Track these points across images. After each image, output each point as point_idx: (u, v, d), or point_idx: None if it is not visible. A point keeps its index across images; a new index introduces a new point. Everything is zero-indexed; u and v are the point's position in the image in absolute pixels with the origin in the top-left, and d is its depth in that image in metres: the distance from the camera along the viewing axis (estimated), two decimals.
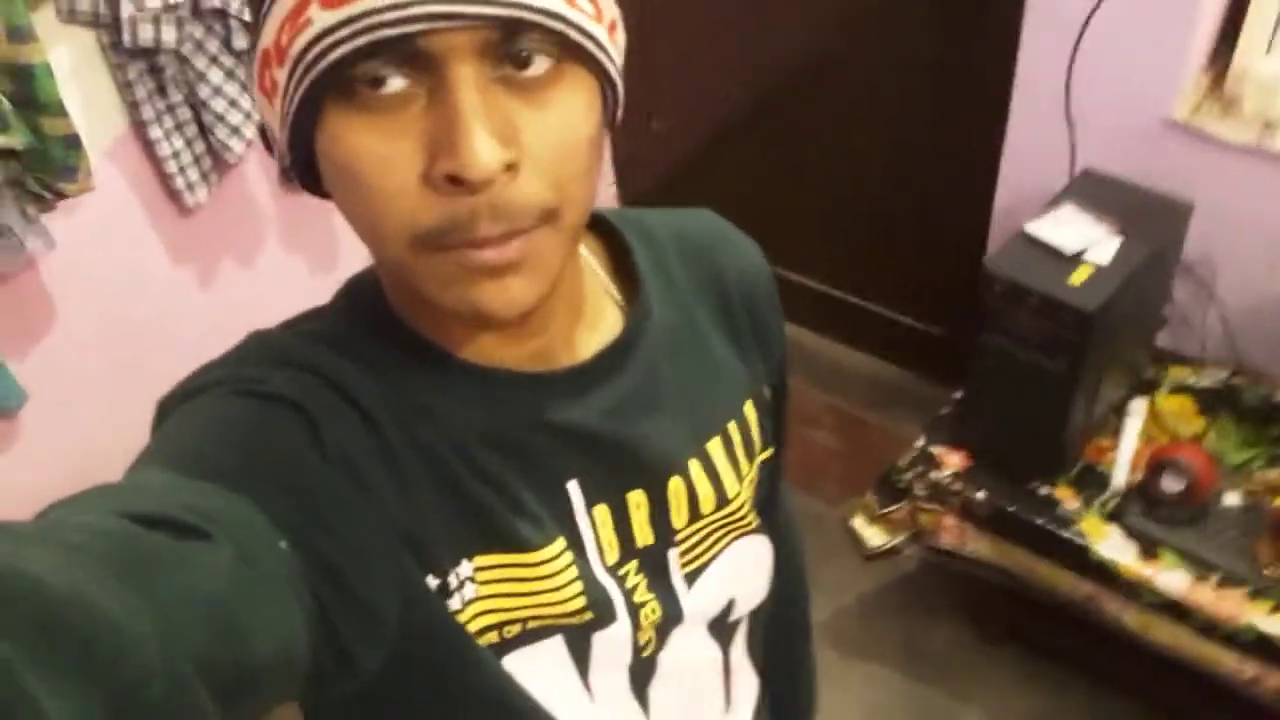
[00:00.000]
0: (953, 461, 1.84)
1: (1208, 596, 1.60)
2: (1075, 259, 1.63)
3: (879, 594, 2.22)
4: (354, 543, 0.54)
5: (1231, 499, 1.71)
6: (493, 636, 0.62)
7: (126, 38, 1.58)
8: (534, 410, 0.63)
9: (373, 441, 0.57)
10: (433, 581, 0.59)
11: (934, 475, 1.83)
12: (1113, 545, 1.68)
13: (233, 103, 1.73)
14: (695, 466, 0.70)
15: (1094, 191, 1.75)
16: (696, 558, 0.72)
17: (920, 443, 1.88)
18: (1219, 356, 1.93)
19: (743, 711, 0.83)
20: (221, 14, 1.66)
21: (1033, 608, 1.92)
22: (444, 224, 0.51)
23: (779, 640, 0.89)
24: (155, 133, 1.72)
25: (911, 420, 2.18)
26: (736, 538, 0.75)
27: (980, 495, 1.79)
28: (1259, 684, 1.60)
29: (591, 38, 0.53)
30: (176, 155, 1.75)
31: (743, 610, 0.78)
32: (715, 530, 0.73)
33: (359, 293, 0.64)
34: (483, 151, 0.49)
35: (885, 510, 1.92)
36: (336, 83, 0.50)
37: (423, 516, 0.59)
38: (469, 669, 0.62)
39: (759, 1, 2.37)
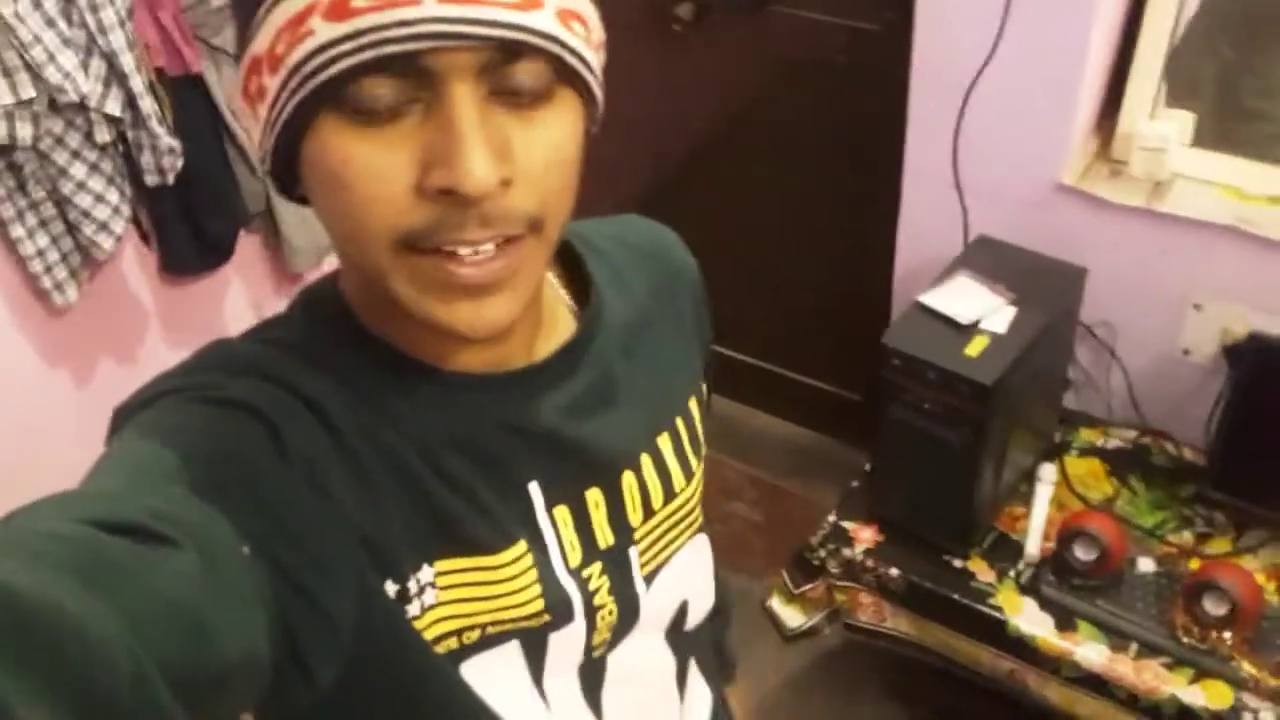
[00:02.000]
0: (865, 537, 1.79)
1: (1127, 668, 1.56)
2: (971, 329, 1.60)
3: (805, 673, 2.16)
4: (314, 550, 0.54)
5: (1145, 565, 1.67)
6: (452, 643, 0.62)
7: None
8: (494, 412, 0.64)
9: (333, 447, 0.57)
10: (392, 587, 0.59)
11: (846, 552, 1.78)
12: (1029, 619, 1.64)
13: (99, 198, 1.66)
14: (647, 461, 0.72)
15: (987, 259, 1.73)
16: (653, 556, 0.73)
17: (831, 519, 1.83)
18: (1125, 417, 1.91)
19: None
20: (81, 108, 1.59)
21: (960, 685, 1.87)
22: (431, 224, 0.52)
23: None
24: (17, 231, 1.64)
25: (833, 488, 2.14)
26: (689, 536, 0.76)
27: (894, 571, 1.73)
28: None
29: (584, 61, 0.55)
30: (41, 254, 1.67)
31: (696, 614, 0.79)
32: (670, 528, 0.74)
33: (318, 300, 0.64)
34: (480, 167, 0.50)
35: (800, 589, 1.86)
36: (334, 93, 0.51)
37: (384, 521, 0.59)
38: (424, 678, 0.62)
39: (661, 86, 2.37)
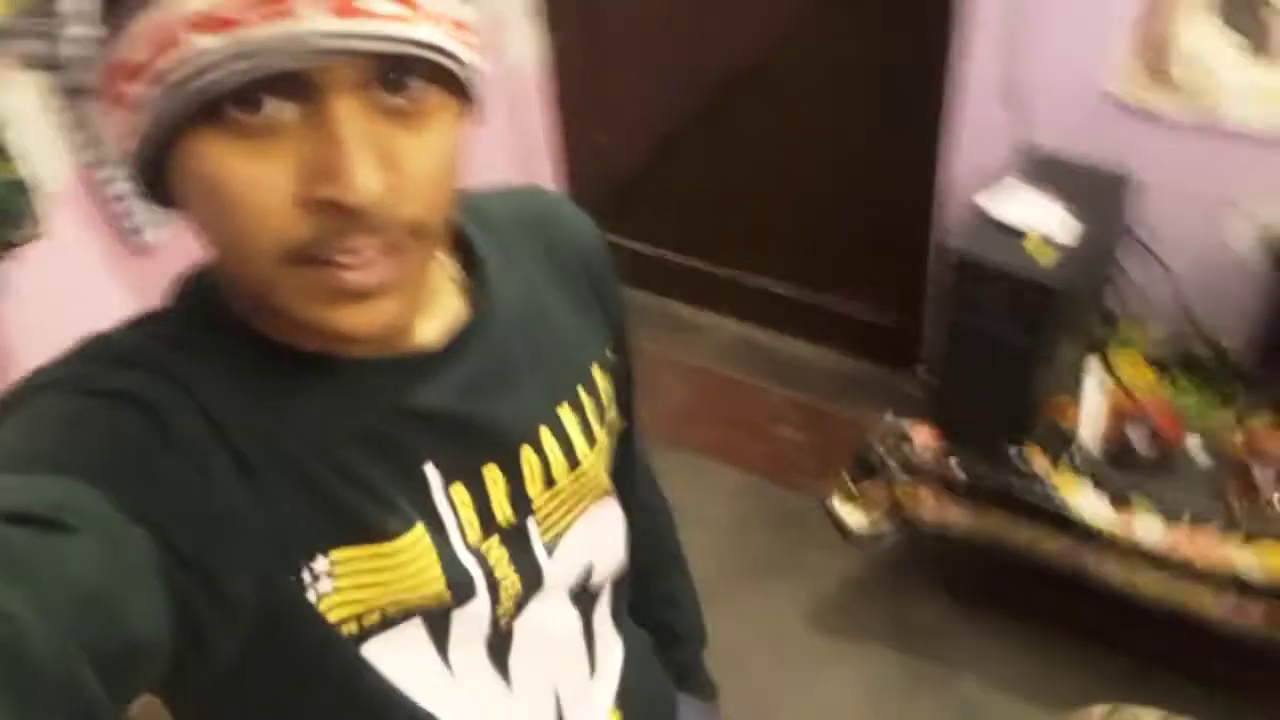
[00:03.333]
0: (924, 435, 1.88)
1: (1184, 539, 1.66)
2: (1031, 235, 1.68)
3: (862, 575, 2.26)
4: (206, 531, 0.54)
5: (1194, 445, 1.78)
6: (352, 626, 0.62)
7: (68, 77, 1.57)
8: (387, 396, 0.64)
9: (217, 439, 0.57)
10: (289, 577, 0.59)
11: (907, 450, 1.88)
12: (1087, 500, 1.74)
13: None
14: (546, 433, 0.72)
15: (1040, 168, 1.82)
16: (554, 524, 0.73)
17: (890, 420, 1.92)
18: (1169, 316, 2.00)
19: (608, 676, 0.84)
20: None
21: (1017, 575, 1.97)
22: (315, 237, 0.52)
23: (653, 575, 0.95)
24: (105, 172, 1.70)
25: (872, 408, 2.23)
26: (592, 502, 0.77)
27: (954, 465, 1.83)
28: (1240, 618, 1.66)
29: (464, 65, 0.55)
30: (125, 197, 1.73)
31: (601, 575, 0.80)
32: (571, 497, 0.74)
33: (200, 291, 0.63)
34: (366, 179, 0.51)
35: (861, 488, 1.95)
36: (212, 106, 0.50)
37: (275, 512, 0.58)
38: (325, 658, 0.62)
39: (693, 14, 2.42)
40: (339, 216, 0.52)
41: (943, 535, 1.94)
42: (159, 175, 0.55)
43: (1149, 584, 1.72)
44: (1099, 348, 1.95)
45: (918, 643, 2.12)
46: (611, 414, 0.80)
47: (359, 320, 0.56)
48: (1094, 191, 1.78)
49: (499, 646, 0.72)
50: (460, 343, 0.67)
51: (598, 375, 0.78)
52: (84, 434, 0.53)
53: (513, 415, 0.69)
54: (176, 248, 1.85)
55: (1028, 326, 1.66)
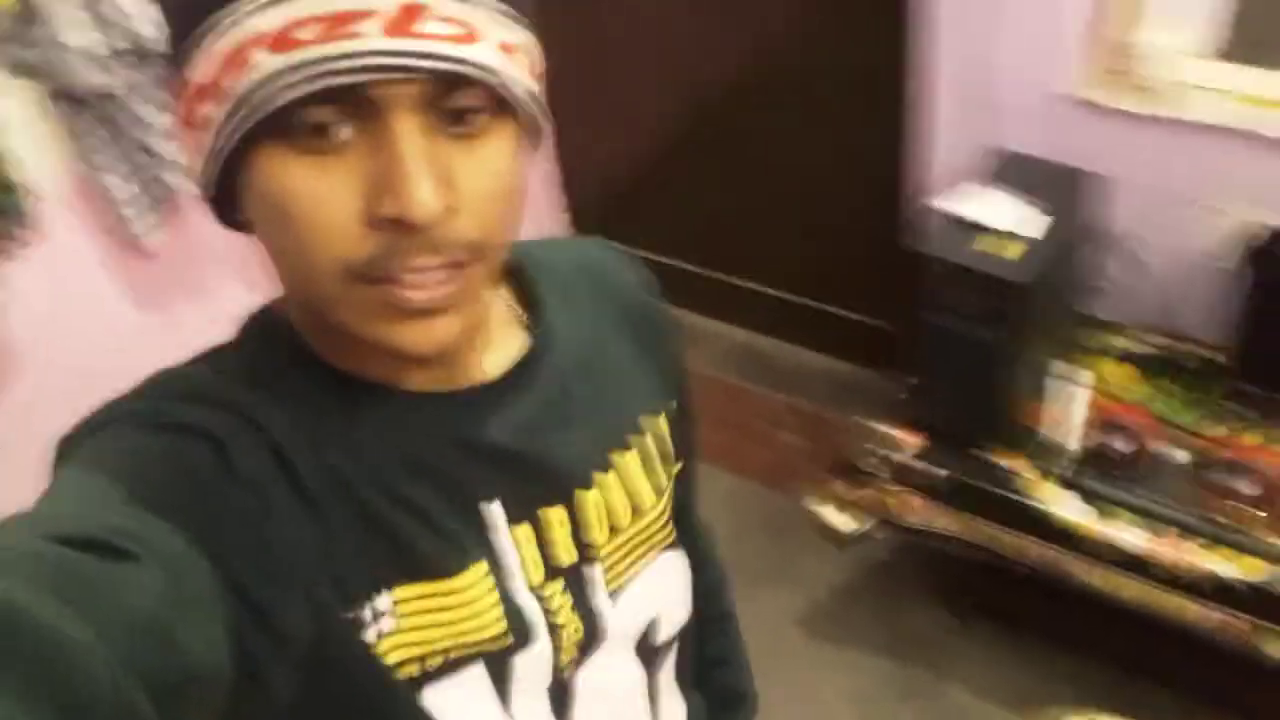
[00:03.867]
0: (910, 441, 1.89)
1: (1167, 549, 1.66)
2: (1003, 234, 1.69)
3: (854, 582, 2.27)
4: (267, 567, 0.55)
5: (1180, 456, 1.77)
6: (413, 669, 0.63)
7: (74, 83, 1.62)
8: (447, 430, 0.65)
9: (282, 472, 0.58)
10: (347, 614, 0.60)
11: (894, 456, 1.89)
12: (1071, 509, 1.74)
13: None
14: (610, 479, 0.72)
15: (1006, 169, 1.84)
16: (620, 573, 0.74)
17: (877, 426, 1.93)
18: (1154, 322, 2.00)
19: None
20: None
21: (1008, 582, 1.97)
22: (379, 255, 0.54)
23: (706, 634, 0.91)
24: (109, 179, 1.76)
25: (870, 412, 2.24)
26: (659, 552, 0.77)
27: (940, 471, 1.84)
28: (1225, 630, 1.65)
29: (523, 90, 0.57)
30: (134, 200, 1.78)
31: (667, 630, 0.79)
32: (637, 545, 0.75)
33: (266, 326, 0.65)
34: (426, 196, 0.52)
35: (851, 496, 1.97)
36: (279, 123, 0.52)
37: (338, 548, 0.59)
38: (382, 703, 0.62)
39: (690, 22, 2.46)
40: (401, 233, 0.53)
41: (931, 539, 1.94)
42: (230, 195, 0.57)
43: (1129, 590, 1.71)
44: (1077, 351, 1.95)
45: (909, 650, 2.13)
46: (672, 465, 0.80)
47: (419, 338, 0.57)
48: (1059, 190, 1.79)
49: (561, 698, 0.71)
50: (519, 377, 0.68)
51: (661, 423, 0.78)
52: (153, 467, 0.55)
53: (573, 456, 0.70)
54: (175, 249, 1.90)
55: (995, 323, 1.67)
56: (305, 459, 0.59)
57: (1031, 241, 1.69)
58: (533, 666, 0.68)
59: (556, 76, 0.61)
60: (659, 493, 0.76)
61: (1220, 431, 1.80)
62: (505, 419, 0.66)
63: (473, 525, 0.65)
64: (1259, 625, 1.61)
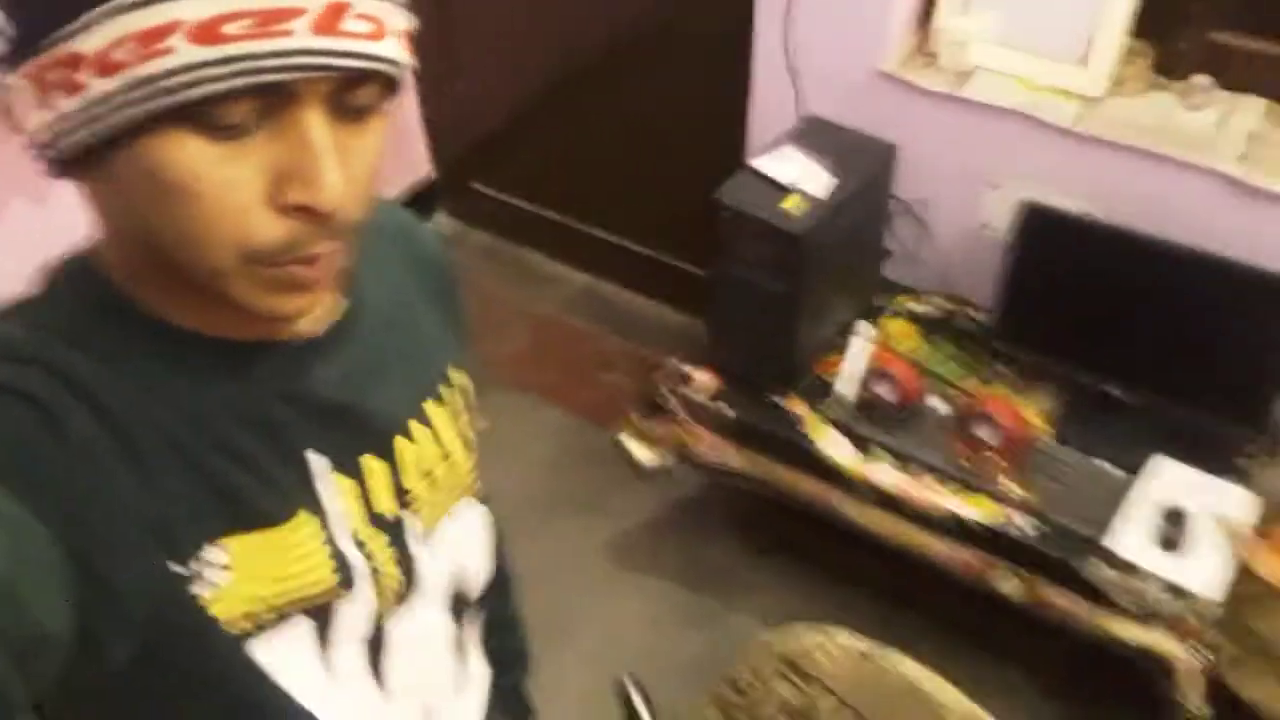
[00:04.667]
0: (704, 380, 2.03)
1: (913, 488, 1.82)
2: (790, 190, 1.83)
3: (661, 515, 2.41)
4: (100, 529, 0.55)
5: (938, 405, 1.94)
6: (246, 624, 0.63)
7: None
8: (275, 382, 0.66)
9: (105, 428, 0.57)
10: (179, 569, 0.60)
11: (688, 393, 2.02)
12: (834, 445, 1.89)
13: None
14: (425, 430, 0.76)
15: (813, 133, 1.97)
16: (431, 519, 0.77)
17: (677, 364, 2.07)
18: (937, 286, 2.17)
19: (475, 697, 0.88)
20: None
21: (797, 519, 2.14)
22: (283, 244, 0.56)
23: (500, 592, 0.96)
24: None
25: (688, 356, 2.38)
26: (467, 502, 0.82)
27: (729, 411, 1.98)
28: (962, 565, 1.82)
29: (403, 70, 0.59)
30: None
31: (475, 584, 0.84)
32: (444, 489, 0.78)
33: (79, 277, 0.64)
34: (337, 186, 0.55)
35: (649, 428, 2.10)
36: (192, 111, 0.52)
37: (167, 501, 0.59)
38: (213, 658, 0.63)
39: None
40: (310, 220, 0.55)
41: (723, 476, 2.09)
42: (98, 162, 0.56)
43: (887, 527, 1.88)
44: (873, 314, 2.11)
45: (704, 580, 2.28)
46: (476, 417, 0.84)
47: (302, 305, 0.60)
48: (862, 158, 1.94)
49: (376, 648, 0.73)
50: (340, 333, 0.70)
51: (461, 376, 0.82)
52: None
53: (386, 406, 0.73)
54: None
55: (782, 275, 1.81)
56: (130, 415, 0.59)
57: (820, 201, 1.83)
58: (355, 617, 0.70)
59: (423, 28, 0.64)
60: (467, 443, 0.81)
61: (977, 387, 1.98)
62: (328, 372, 0.68)
63: (295, 474, 0.66)
64: (992, 563, 1.79)
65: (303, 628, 0.67)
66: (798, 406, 1.96)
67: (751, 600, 2.24)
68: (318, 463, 0.68)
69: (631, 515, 2.41)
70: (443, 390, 0.79)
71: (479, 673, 0.88)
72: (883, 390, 1.89)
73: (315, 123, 0.54)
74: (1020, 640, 2.02)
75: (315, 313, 0.65)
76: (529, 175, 2.90)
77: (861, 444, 1.89)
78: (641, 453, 2.14)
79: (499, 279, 3.00)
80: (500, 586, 0.96)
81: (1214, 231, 1.77)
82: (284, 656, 0.66)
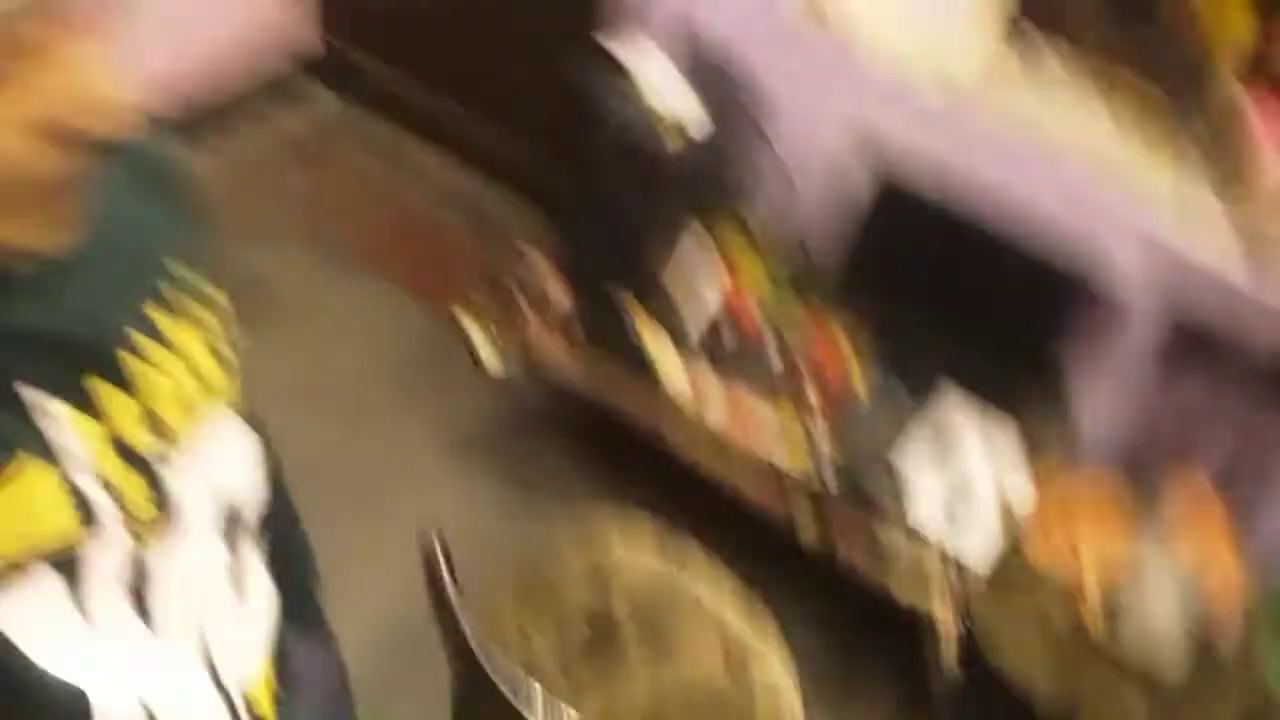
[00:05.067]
0: (550, 278, 2.06)
1: (738, 420, 1.91)
2: (664, 115, 1.87)
3: (497, 413, 2.44)
4: None
5: (771, 344, 2.03)
6: None
7: None
8: None
9: None
10: None
11: (532, 289, 2.06)
12: (672, 369, 1.97)
13: None
14: (151, 345, 0.68)
15: (695, 61, 2.01)
16: (184, 443, 0.70)
17: (524, 258, 2.09)
18: (789, 227, 2.24)
19: (259, 624, 0.84)
20: None
21: (627, 430, 2.20)
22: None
23: (274, 521, 0.90)
24: None
25: (537, 246, 2.39)
26: (224, 419, 0.75)
27: (569, 310, 2.03)
28: (769, 502, 1.93)
29: None
30: None
31: (248, 506, 0.79)
32: (198, 411, 0.72)
33: None
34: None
35: (494, 324, 2.13)
36: None
37: None
38: None
39: None
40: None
41: (558, 376, 2.14)
42: None
43: (704, 448, 1.97)
44: (721, 240, 2.17)
45: (529, 476, 2.34)
46: (231, 327, 0.78)
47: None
48: (735, 94, 1.99)
49: (139, 587, 0.68)
50: (41, 257, 0.62)
51: (193, 282, 0.74)
52: None
53: (104, 323, 0.66)
54: None
55: (641, 191, 1.85)
56: None
57: (692, 134, 1.87)
58: (108, 561, 0.65)
59: None
60: (222, 359, 0.75)
61: (809, 328, 2.07)
62: (27, 299, 0.61)
63: (14, 413, 0.60)
64: (792, 501, 1.90)
65: (49, 580, 0.62)
66: (641, 321, 2.02)
67: (572, 503, 2.30)
68: (34, 397, 0.61)
69: (467, 403, 2.44)
70: (180, 302, 0.72)
71: (262, 599, 0.84)
72: (722, 322, 1.97)
73: None
74: (810, 571, 2.16)
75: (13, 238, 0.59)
76: (410, 53, 2.84)
77: (697, 371, 1.97)
78: (483, 346, 2.16)
79: (370, 160, 2.94)
80: (280, 506, 0.92)
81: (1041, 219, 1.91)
82: (28, 614, 0.61)
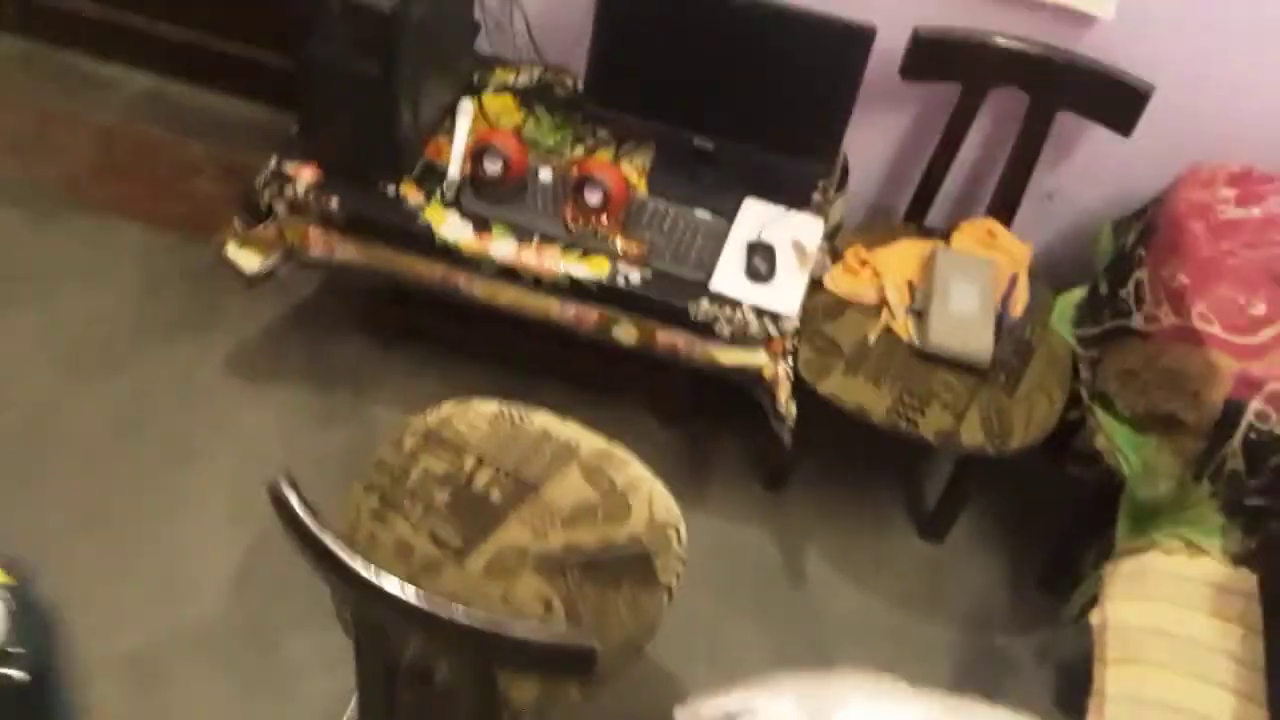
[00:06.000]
0: (305, 175, 1.93)
1: (531, 257, 1.89)
2: None
3: (279, 322, 2.33)
4: None
5: (545, 175, 1.99)
6: None
7: None
8: None
9: None
10: None
11: (289, 191, 1.93)
12: (452, 228, 1.90)
13: None
14: None
15: None
16: None
17: (274, 162, 1.95)
18: (531, 58, 2.18)
19: None
20: None
21: (420, 305, 2.15)
22: None
23: None
24: None
25: (283, 153, 2.24)
26: None
27: (334, 203, 1.91)
28: (582, 322, 1.93)
29: None
30: None
31: None
32: None
33: None
34: None
35: (252, 231, 1.99)
36: None
37: None
38: None
39: None
40: None
41: (337, 271, 2.04)
42: None
43: (510, 298, 1.94)
44: (474, 91, 2.10)
45: (333, 379, 2.26)
46: None
47: None
48: None
49: None
50: None
51: None
52: None
53: None
54: None
55: (375, 57, 1.74)
56: None
57: None
58: None
59: None
60: None
61: (578, 152, 2.05)
62: None
63: None
64: (608, 315, 1.91)
65: None
66: (413, 195, 1.94)
67: (385, 391, 2.26)
68: None
69: (247, 326, 2.31)
70: None
71: None
72: (490, 166, 1.91)
73: None
74: (639, 381, 2.21)
75: None
76: None
77: (479, 222, 1.91)
78: (248, 261, 2.03)
79: (46, 90, 2.62)
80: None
81: None
82: None
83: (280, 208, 1.95)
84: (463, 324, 2.21)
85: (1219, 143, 1.92)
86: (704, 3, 1.89)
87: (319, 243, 1.98)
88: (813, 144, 1.99)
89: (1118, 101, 1.89)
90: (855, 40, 1.85)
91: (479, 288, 1.95)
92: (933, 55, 1.95)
